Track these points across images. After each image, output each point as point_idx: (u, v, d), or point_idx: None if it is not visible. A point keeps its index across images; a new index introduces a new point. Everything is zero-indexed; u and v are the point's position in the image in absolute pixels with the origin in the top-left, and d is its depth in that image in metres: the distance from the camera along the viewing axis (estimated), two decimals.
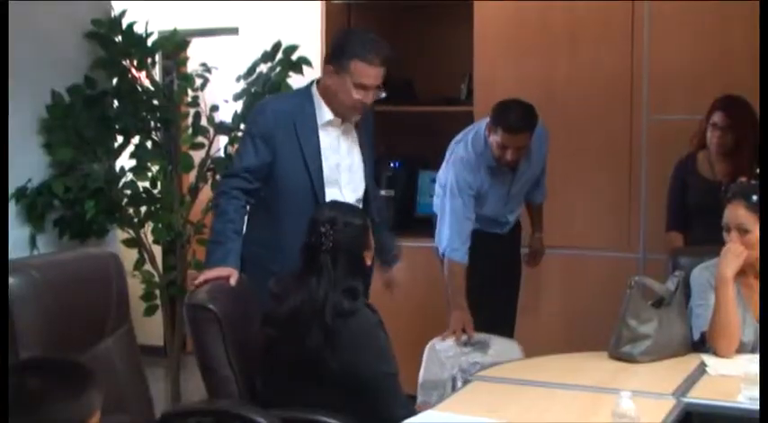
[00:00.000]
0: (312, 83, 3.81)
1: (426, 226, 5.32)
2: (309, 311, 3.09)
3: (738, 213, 3.49)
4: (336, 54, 3.69)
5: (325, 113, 3.73)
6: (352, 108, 3.71)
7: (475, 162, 4.46)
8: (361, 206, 3.79)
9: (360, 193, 3.85)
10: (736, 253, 3.47)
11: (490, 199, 4.59)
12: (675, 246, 4.56)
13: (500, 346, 4.08)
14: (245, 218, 3.74)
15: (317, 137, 3.72)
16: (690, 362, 3.42)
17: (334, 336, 3.05)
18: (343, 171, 3.78)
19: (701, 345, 3.55)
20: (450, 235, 4.45)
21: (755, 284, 3.56)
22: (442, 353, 4.02)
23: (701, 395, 3.08)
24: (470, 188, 4.45)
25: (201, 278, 3.47)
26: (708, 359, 3.42)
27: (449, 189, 4.48)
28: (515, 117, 4.33)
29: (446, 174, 4.56)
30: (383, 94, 3.73)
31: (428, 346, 4.03)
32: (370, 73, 3.63)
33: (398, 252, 4.03)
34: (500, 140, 4.34)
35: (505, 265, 4.89)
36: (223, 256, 3.55)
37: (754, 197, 3.46)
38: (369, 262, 3.30)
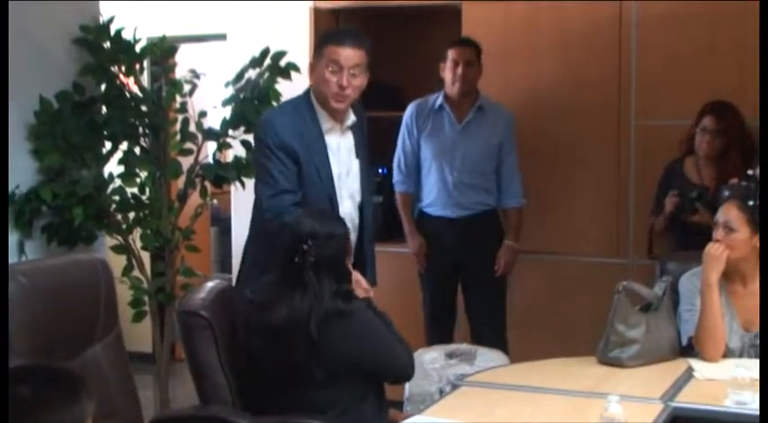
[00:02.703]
0: (309, 91, 3.79)
1: None
2: (294, 325, 3.08)
3: (729, 212, 3.54)
4: (314, 51, 3.77)
5: (326, 121, 3.72)
6: (329, 94, 3.66)
7: (421, 103, 4.97)
8: (357, 214, 3.80)
9: (358, 199, 3.84)
10: (715, 255, 3.50)
11: (431, 146, 4.89)
12: (658, 229, 4.64)
13: (487, 356, 4.07)
14: None
15: (326, 147, 3.72)
16: (677, 366, 3.43)
17: (320, 344, 3.06)
18: (343, 177, 3.77)
19: (690, 350, 3.56)
20: (395, 170, 5.05)
21: (741, 291, 3.59)
22: (427, 364, 4.01)
23: (688, 399, 3.10)
24: (411, 123, 4.94)
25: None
26: (695, 364, 3.43)
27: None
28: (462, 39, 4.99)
29: None
30: (362, 79, 3.68)
31: None
32: (340, 52, 3.63)
33: (374, 277, 3.94)
34: (452, 57, 4.84)
35: (463, 262, 4.89)
36: None
37: (750, 202, 3.50)
38: (350, 266, 3.31)
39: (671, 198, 4.57)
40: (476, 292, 4.96)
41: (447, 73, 4.88)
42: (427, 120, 4.93)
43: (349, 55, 3.64)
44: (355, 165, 3.84)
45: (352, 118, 3.79)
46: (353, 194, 3.83)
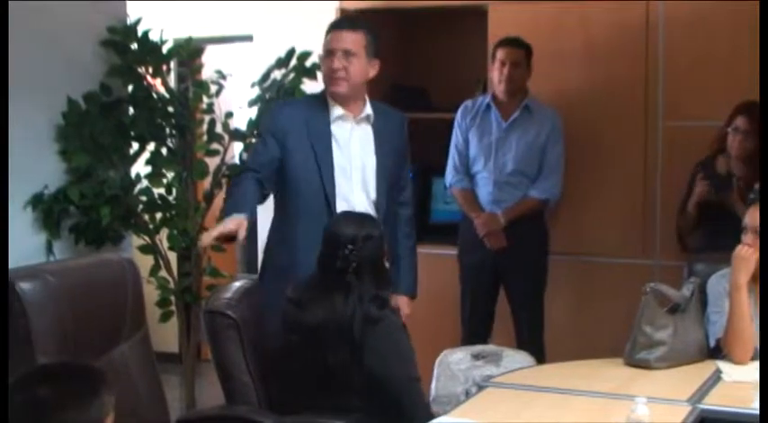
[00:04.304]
0: None
1: (441, 233, 5.33)
2: (335, 327, 3.08)
3: (756, 215, 3.50)
4: None
5: (335, 109, 3.70)
6: (325, 79, 3.71)
7: (469, 103, 5.00)
8: (374, 211, 3.72)
9: (373, 195, 3.73)
10: (744, 256, 3.47)
11: (476, 144, 4.91)
12: (687, 222, 4.67)
13: (513, 358, 4.06)
14: (258, 198, 3.62)
15: (329, 136, 3.68)
16: (705, 368, 3.41)
17: (361, 348, 3.06)
18: (355, 170, 3.70)
19: (718, 352, 3.54)
20: (448, 169, 5.02)
21: None
22: (453, 365, 4.00)
23: (716, 402, 3.08)
24: (461, 122, 4.97)
25: (214, 233, 3.32)
26: (723, 366, 3.41)
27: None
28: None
29: None
30: (360, 62, 3.66)
31: (439, 359, 4.00)
32: (332, 37, 3.66)
33: (414, 286, 3.90)
34: (499, 57, 4.84)
35: (503, 260, 4.85)
36: (234, 205, 3.49)
37: None
38: (387, 265, 3.31)
39: (700, 181, 4.58)
40: (516, 291, 4.92)
41: (494, 73, 4.88)
42: (474, 118, 4.93)
43: (340, 37, 3.65)
44: (371, 160, 3.74)
45: (367, 111, 3.75)
46: (368, 190, 3.73)
